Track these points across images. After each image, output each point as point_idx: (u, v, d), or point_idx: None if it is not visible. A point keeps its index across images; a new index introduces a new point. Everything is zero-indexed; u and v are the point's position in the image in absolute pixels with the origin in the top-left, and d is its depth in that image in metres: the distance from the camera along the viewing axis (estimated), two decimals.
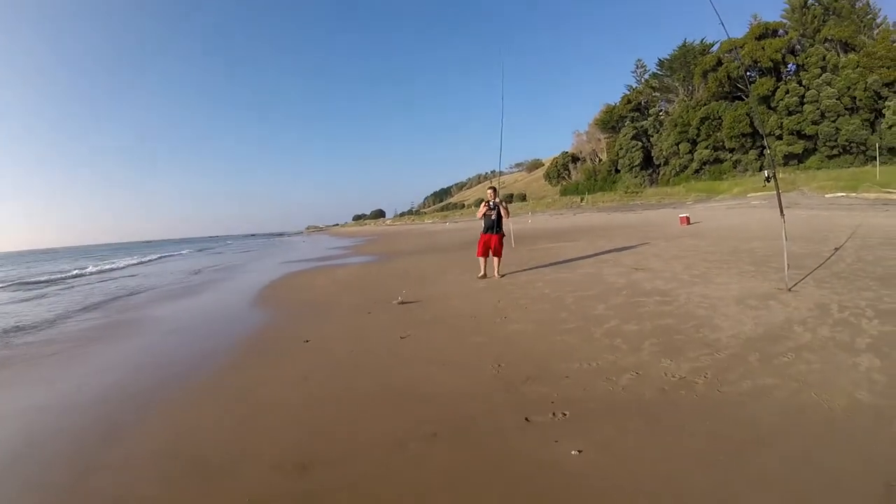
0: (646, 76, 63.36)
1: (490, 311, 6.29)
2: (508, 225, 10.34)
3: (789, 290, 5.80)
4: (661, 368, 3.64)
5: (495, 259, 9.20)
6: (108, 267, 26.32)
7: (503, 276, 9.15)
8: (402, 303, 7.31)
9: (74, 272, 23.19)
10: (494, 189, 9.46)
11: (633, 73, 65.85)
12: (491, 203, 9.20)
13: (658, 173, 55.73)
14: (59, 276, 21.92)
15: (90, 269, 25.29)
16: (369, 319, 6.66)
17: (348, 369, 4.54)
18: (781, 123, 41.79)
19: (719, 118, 47.02)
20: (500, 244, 9.20)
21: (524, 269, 9.84)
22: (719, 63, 49.19)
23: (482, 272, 9.24)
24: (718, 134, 47.35)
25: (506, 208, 9.30)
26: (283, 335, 6.34)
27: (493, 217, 9.09)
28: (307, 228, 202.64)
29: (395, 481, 2.54)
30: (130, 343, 6.78)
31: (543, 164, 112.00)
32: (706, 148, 48.66)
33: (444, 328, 5.71)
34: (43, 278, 20.94)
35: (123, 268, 25.85)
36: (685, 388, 3.26)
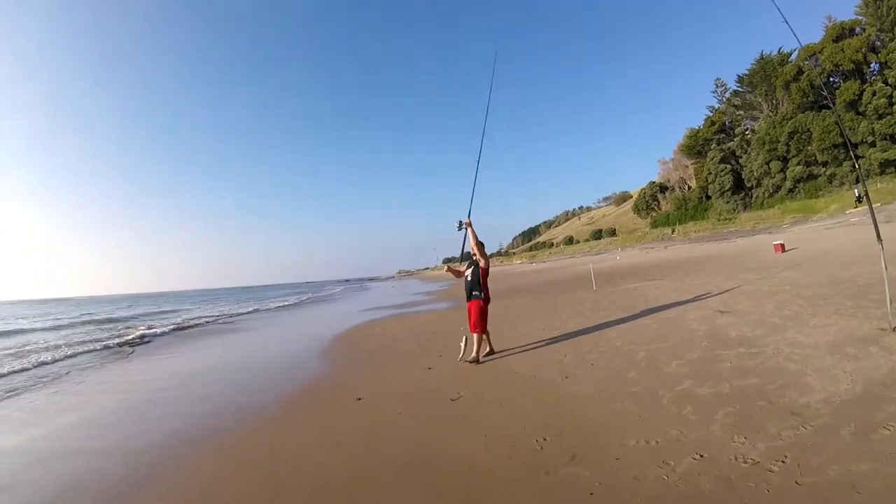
0: (727, 95, 60.33)
1: (552, 369, 5.86)
2: (588, 266, 9.51)
3: (894, 329, 4.90)
4: (732, 449, 3.08)
5: (474, 336, 6.76)
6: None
7: (479, 361, 6.70)
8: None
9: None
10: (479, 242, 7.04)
11: (713, 93, 62.97)
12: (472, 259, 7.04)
13: (751, 196, 51.69)
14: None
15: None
16: (427, 376, 6.51)
17: (388, 434, 4.39)
18: (873, 129, 37.79)
19: (808, 131, 43.21)
20: (480, 315, 6.70)
21: (600, 316, 9.25)
22: (800, 72, 45.82)
23: (473, 354, 6.76)
24: (809, 148, 43.58)
25: (482, 255, 6.94)
26: (339, 390, 6.38)
27: (468, 278, 6.91)
28: (399, 273, 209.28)
29: None
30: (211, 388, 6.94)
31: (632, 196, 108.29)
32: (798, 164, 44.71)
33: (499, 389, 5.40)
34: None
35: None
36: (756, 479, 2.69)
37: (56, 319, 29.76)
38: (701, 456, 3.08)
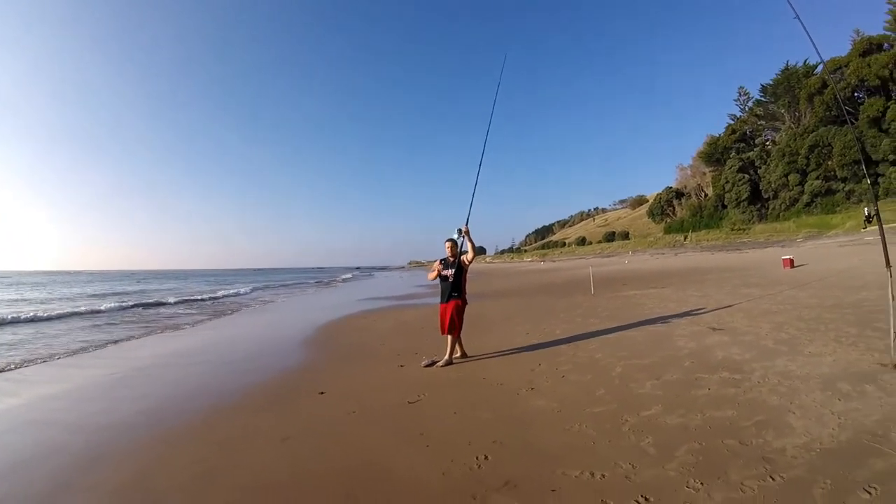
0: (749, 104, 59.35)
1: (521, 378, 5.48)
2: (588, 270, 8.97)
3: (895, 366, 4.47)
4: (684, 496, 2.68)
5: (448, 338, 6.55)
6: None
7: (451, 363, 6.51)
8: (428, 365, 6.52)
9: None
10: (454, 241, 6.75)
11: (735, 101, 61.90)
12: (449, 260, 6.73)
13: (767, 208, 50.66)
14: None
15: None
16: (396, 374, 6.25)
17: (332, 436, 4.14)
18: (895, 147, 36.83)
19: (829, 145, 42.38)
20: (458, 317, 6.51)
21: (589, 324, 8.82)
22: (825, 85, 44.68)
23: (446, 357, 6.55)
24: (829, 163, 42.73)
25: (469, 251, 6.69)
26: (305, 381, 6.21)
27: (450, 279, 6.64)
28: (409, 263, 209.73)
29: None
30: (166, 377, 6.99)
31: (647, 201, 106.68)
32: (817, 178, 43.86)
33: (460, 395, 5.06)
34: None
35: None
36: None
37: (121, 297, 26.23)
38: (646, 500, 2.69)
